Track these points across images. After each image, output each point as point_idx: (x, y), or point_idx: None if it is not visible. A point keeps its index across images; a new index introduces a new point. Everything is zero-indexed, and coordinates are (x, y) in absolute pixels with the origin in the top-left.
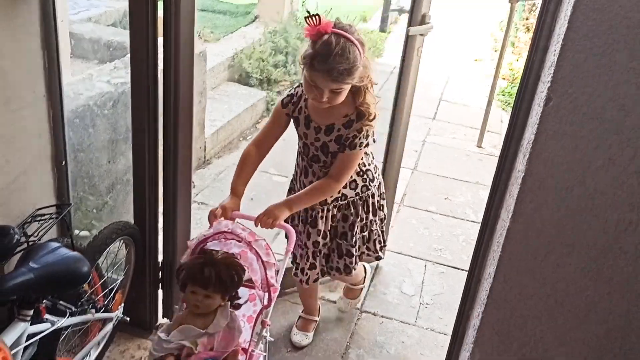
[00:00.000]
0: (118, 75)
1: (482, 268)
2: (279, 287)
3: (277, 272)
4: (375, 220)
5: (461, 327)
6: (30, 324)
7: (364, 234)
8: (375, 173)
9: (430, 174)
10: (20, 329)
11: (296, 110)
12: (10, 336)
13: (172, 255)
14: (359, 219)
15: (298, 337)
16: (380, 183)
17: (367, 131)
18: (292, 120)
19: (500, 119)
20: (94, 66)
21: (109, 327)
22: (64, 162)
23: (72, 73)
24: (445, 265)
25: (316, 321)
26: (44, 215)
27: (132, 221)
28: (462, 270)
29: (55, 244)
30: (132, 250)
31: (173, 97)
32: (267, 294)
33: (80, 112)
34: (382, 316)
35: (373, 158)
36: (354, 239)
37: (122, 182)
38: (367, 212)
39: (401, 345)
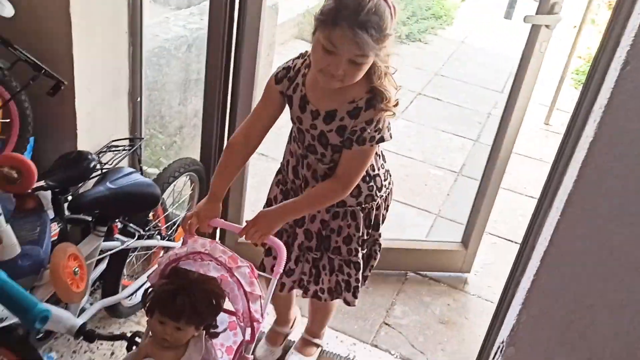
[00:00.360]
0: (193, 21)
1: (538, 233)
2: (265, 319)
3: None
4: (376, 237)
5: (510, 290)
6: (103, 241)
7: (364, 251)
8: (385, 180)
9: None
10: (95, 243)
11: (291, 88)
12: (85, 248)
13: (231, 195)
14: (359, 233)
15: (261, 351)
16: (389, 193)
17: (381, 121)
18: (285, 101)
19: (572, 98)
20: (170, 11)
21: None
22: (139, 99)
23: (150, 16)
24: (498, 236)
25: (287, 335)
26: (117, 146)
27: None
28: (515, 242)
29: (130, 169)
30: (196, 186)
31: (239, 44)
32: (249, 329)
33: (157, 52)
34: (431, 278)
35: (384, 161)
36: (352, 254)
37: (189, 125)
38: (368, 227)
39: (446, 308)
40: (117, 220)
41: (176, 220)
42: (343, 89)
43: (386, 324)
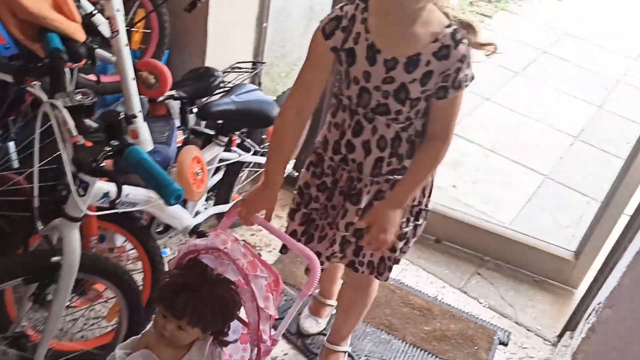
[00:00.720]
0: None
1: None
2: (276, 344)
3: (281, 318)
4: (426, 204)
5: (615, 255)
6: (222, 151)
7: (417, 222)
8: None
9: (616, 115)
10: (216, 151)
11: (350, 39)
12: (207, 154)
13: None
14: (415, 202)
15: (306, 323)
16: None
17: (470, 57)
18: (342, 58)
19: None
20: None
21: None
22: (265, 24)
23: None
24: None
25: (332, 306)
26: (241, 68)
27: None
28: (625, 215)
29: (254, 86)
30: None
31: None
32: (256, 348)
33: None
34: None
35: None
36: (403, 225)
37: None
38: (423, 195)
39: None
40: (237, 132)
41: None
42: (422, 24)
43: (478, 273)
